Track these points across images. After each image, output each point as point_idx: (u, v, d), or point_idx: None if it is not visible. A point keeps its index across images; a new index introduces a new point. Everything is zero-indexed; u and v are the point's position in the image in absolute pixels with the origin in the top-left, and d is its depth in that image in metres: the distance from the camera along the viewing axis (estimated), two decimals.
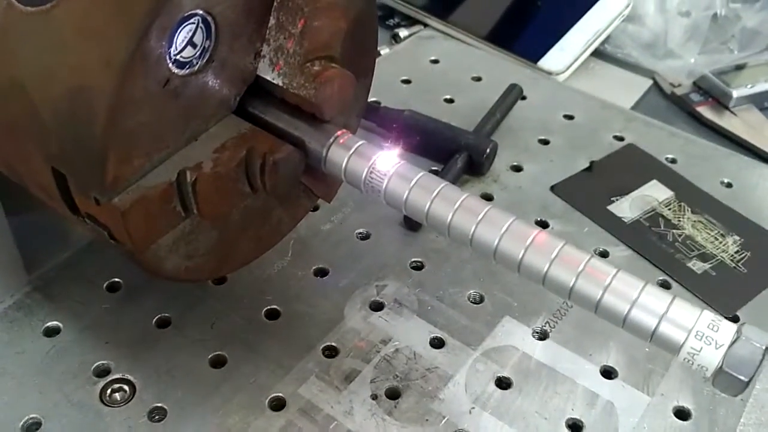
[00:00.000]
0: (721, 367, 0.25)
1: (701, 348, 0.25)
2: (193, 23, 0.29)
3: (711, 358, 0.25)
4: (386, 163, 0.31)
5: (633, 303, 0.26)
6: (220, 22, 0.29)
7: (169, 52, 0.28)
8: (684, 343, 0.25)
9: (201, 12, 0.28)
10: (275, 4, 0.31)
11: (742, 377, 0.25)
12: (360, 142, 0.31)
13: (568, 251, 0.28)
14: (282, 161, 0.31)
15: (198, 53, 0.29)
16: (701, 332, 0.25)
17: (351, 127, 0.40)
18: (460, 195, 0.30)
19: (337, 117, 0.36)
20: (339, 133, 0.31)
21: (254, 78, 0.32)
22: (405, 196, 0.30)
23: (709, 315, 0.26)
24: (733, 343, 0.25)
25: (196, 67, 0.30)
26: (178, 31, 0.28)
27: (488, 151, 0.53)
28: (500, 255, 0.29)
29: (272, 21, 0.31)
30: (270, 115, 0.33)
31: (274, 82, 0.32)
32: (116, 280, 0.45)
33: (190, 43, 0.29)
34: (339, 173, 0.31)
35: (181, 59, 0.29)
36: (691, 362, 0.26)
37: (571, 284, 0.27)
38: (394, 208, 0.31)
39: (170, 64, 0.29)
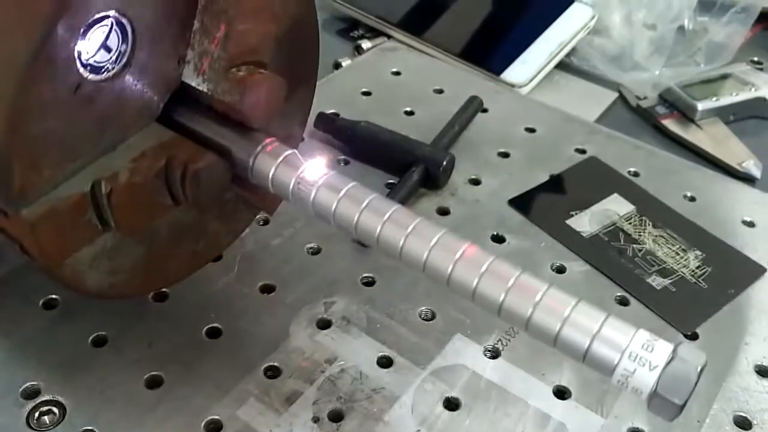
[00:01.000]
0: (655, 390, 0.23)
1: (635, 369, 0.24)
2: (106, 25, 0.27)
3: (645, 380, 0.24)
4: (314, 173, 0.29)
5: (564, 321, 0.25)
6: (137, 24, 0.28)
7: (80, 56, 0.27)
8: (617, 364, 0.24)
9: (114, 13, 0.27)
10: (200, 6, 0.30)
11: (676, 400, 0.23)
12: (288, 151, 0.30)
13: (499, 265, 0.26)
14: (203, 171, 0.29)
15: (113, 58, 0.28)
16: (635, 353, 0.24)
17: (294, 137, 0.39)
18: (389, 207, 0.28)
19: (275, 125, 0.35)
20: (267, 141, 0.30)
21: (179, 84, 0.31)
22: (333, 208, 0.28)
23: (644, 335, 0.24)
24: (667, 364, 0.23)
25: (112, 73, 0.28)
26: (89, 33, 0.27)
27: (445, 163, 0.51)
28: (429, 268, 0.27)
29: (196, 24, 0.30)
30: (196, 123, 0.31)
31: (199, 88, 0.30)
32: (53, 297, 0.43)
33: (104, 46, 0.27)
34: (266, 183, 0.30)
35: (95, 63, 0.28)
36: (625, 384, 0.24)
37: (501, 300, 0.26)
38: (323, 220, 0.29)
39: (81, 69, 0.27)
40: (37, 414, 0.37)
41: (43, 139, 0.27)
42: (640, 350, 0.24)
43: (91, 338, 0.41)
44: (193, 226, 0.35)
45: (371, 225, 0.28)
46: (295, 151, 0.30)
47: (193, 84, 0.31)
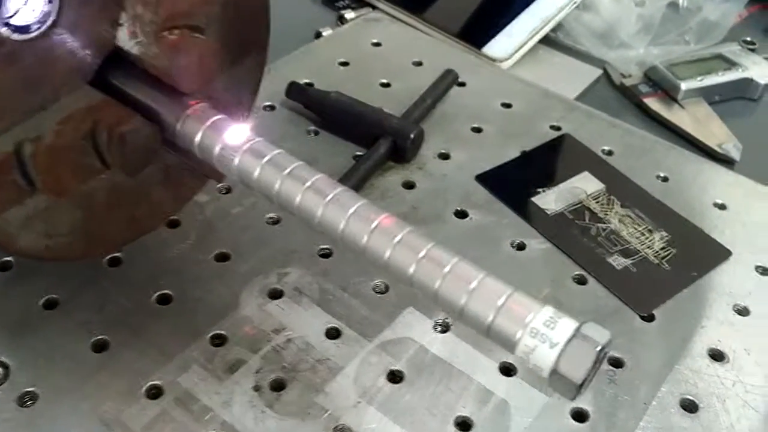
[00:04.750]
0: (554, 368, 0.23)
1: (536, 346, 0.23)
2: None
3: (545, 357, 0.23)
4: (239, 138, 0.29)
5: (471, 293, 0.24)
6: None
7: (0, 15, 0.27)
8: (518, 340, 0.23)
9: None
10: None
11: (575, 379, 0.23)
12: (217, 116, 0.29)
13: (413, 237, 0.26)
14: (129, 134, 0.29)
15: (38, 18, 0.28)
16: (536, 329, 0.23)
17: (244, 104, 0.39)
18: (312, 175, 0.28)
19: (221, 92, 0.34)
20: (193, 104, 0.29)
21: (113, 47, 0.31)
22: (256, 174, 0.28)
23: (548, 311, 0.24)
24: (568, 342, 0.23)
25: (37, 33, 0.28)
26: None
27: (412, 136, 0.51)
28: (345, 237, 0.27)
29: None
30: (130, 86, 0.31)
31: (132, 51, 0.30)
32: (8, 259, 0.43)
33: (27, 5, 0.27)
34: (193, 147, 0.29)
35: (17, 23, 0.27)
36: (527, 361, 0.24)
37: (411, 271, 0.25)
38: (247, 186, 0.29)
39: (2, 28, 0.27)
40: None
41: None
42: (542, 327, 0.23)
43: (42, 300, 0.41)
44: (134, 191, 0.35)
45: (292, 192, 0.28)
46: (225, 116, 0.30)
47: (127, 47, 0.30)
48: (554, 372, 0.23)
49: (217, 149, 0.29)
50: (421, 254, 0.25)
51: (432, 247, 0.25)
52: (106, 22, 0.30)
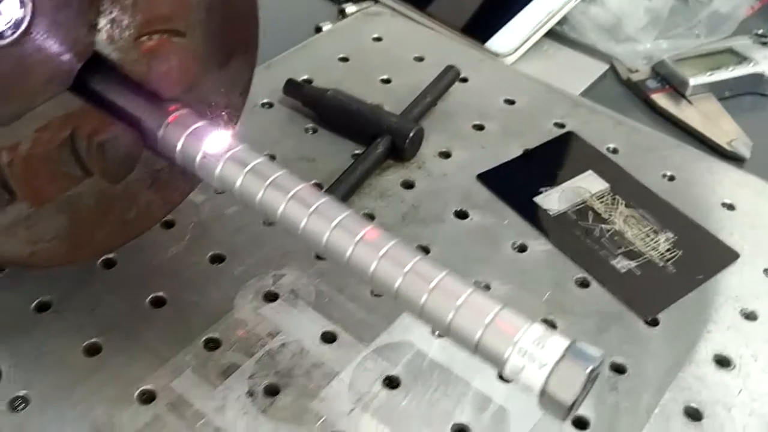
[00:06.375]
0: (543, 389, 0.22)
1: (524, 366, 0.22)
2: None
3: (534, 378, 0.22)
4: (220, 145, 0.28)
5: (458, 309, 0.23)
6: None
7: None
8: (507, 358, 0.23)
9: None
10: None
11: (564, 402, 0.22)
12: (198, 123, 0.29)
13: (398, 249, 0.25)
14: (108, 143, 0.28)
15: (10, 24, 0.27)
16: (524, 348, 0.22)
17: (233, 106, 0.38)
18: (295, 184, 0.27)
19: (209, 94, 0.34)
20: (173, 110, 0.29)
21: (92, 53, 0.30)
22: (238, 183, 0.27)
23: (537, 330, 0.23)
24: (558, 362, 0.22)
25: (8, 39, 0.27)
26: None
27: (411, 135, 0.50)
28: (329, 249, 0.26)
29: None
30: (111, 92, 0.30)
31: (110, 57, 0.29)
32: None
33: None
34: (174, 155, 0.29)
35: None
36: (516, 380, 0.23)
37: (397, 285, 0.24)
38: (230, 194, 0.28)
39: None
40: None
41: None
42: (531, 346, 0.22)
43: (34, 303, 0.41)
44: (122, 195, 0.34)
45: (274, 202, 0.27)
46: (206, 122, 0.29)
47: (106, 52, 0.30)
48: (543, 393, 0.22)
49: (198, 157, 0.28)
50: (407, 268, 0.24)
51: (418, 260, 0.24)
52: (83, 26, 0.29)
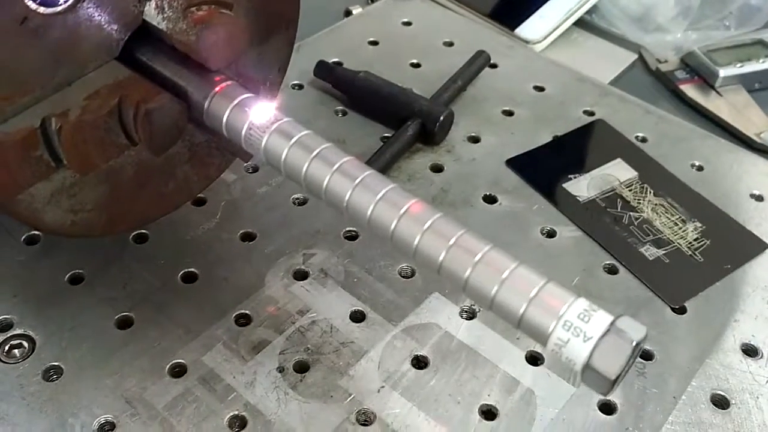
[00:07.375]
0: (587, 362, 0.22)
1: (568, 339, 0.23)
2: None
3: (578, 351, 0.22)
4: (267, 117, 0.28)
5: (502, 282, 0.24)
6: None
7: None
8: (551, 332, 0.23)
9: None
10: None
11: (608, 375, 0.22)
12: (245, 95, 0.29)
13: (443, 223, 0.25)
14: (155, 111, 0.28)
15: None
16: (569, 322, 0.23)
17: (272, 82, 0.38)
18: (340, 157, 0.27)
19: (249, 69, 0.34)
20: (220, 81, 0.29)
21: (140, 22, 0.30)
22: (283, 156, 0.28)
23: (582, 303, 0.23)
24: (602, 336, 0.22)
25: (64, 6, 0.27)
26: None
27: (442, 119, 0.50)
28: (373, 222, 0.26)
29: None
30: (157, 62, 0.30)
31: (159, 27, 0.30)
32: (35, 233, 0.43)
33: None
34: (220, 127, 0.29)
35: None
36: (559, 354, 0.23)
37: (441, 259, 0.25)
38: (274, 168, 0.28)
39: (29, 1, 0.26)
40: (7, 347, 0.38)
41: None
42: (576, 320, 0.23)
43: (68, 275, 0.41)
44: (161, 168, 0.35)
45: (319, 175, 0.27)
46: (253, 95, 0.29)
47: (154, 22, 0.30)
48: (587, 366, 0.22)
49: (244, 129, 0.28)
50: (451, 241, 0.25)
51: (463, 234, 0.25)
52: None
